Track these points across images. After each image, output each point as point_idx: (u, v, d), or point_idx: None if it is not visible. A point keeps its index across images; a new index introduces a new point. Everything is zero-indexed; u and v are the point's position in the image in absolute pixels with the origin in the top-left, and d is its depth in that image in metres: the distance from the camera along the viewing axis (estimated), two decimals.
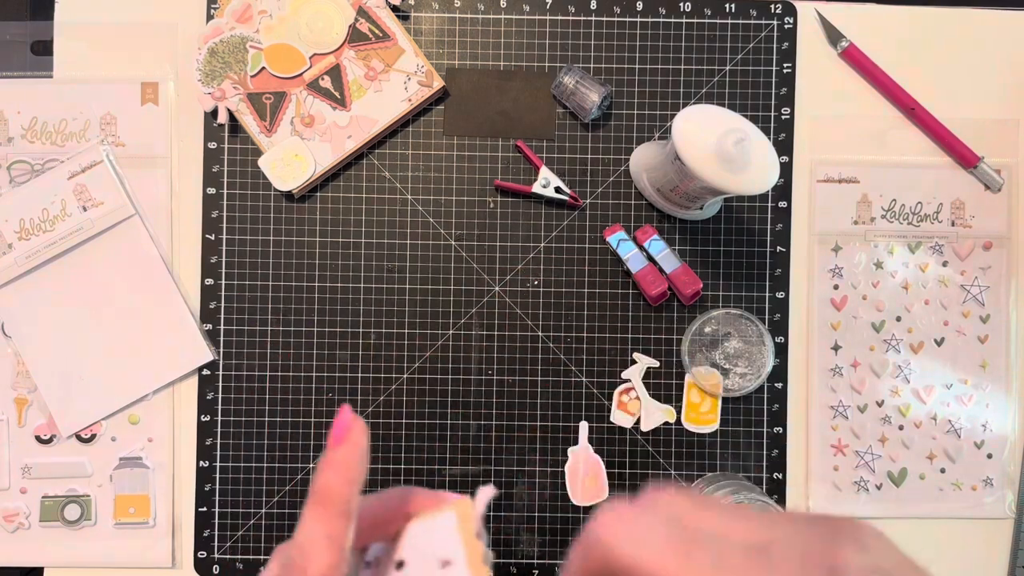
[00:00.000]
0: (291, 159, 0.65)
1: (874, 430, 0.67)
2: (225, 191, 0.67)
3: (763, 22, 0.67)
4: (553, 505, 0.66)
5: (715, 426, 0.67)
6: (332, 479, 0.28)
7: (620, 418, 0.67)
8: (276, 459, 0.66)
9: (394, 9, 0.66)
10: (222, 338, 0.67)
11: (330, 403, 0.67)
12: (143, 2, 0.67)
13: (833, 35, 0.67)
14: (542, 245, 0.67)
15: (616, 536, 0.21)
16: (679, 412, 0.67)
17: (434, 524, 0.31)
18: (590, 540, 0.22)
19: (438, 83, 0.65)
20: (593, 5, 0.67)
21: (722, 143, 0.52)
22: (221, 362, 0.67)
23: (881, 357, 0.67)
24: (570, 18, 0.67)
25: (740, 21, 0.67)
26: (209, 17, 0.66)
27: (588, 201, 0.67)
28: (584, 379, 0.67)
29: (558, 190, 0.66)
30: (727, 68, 0.67)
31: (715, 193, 0.57)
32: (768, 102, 0.67)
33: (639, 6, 0.67)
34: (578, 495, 0.66)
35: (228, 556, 0.66)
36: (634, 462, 0.66)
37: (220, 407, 0.66)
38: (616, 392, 0.67)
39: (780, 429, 0.67)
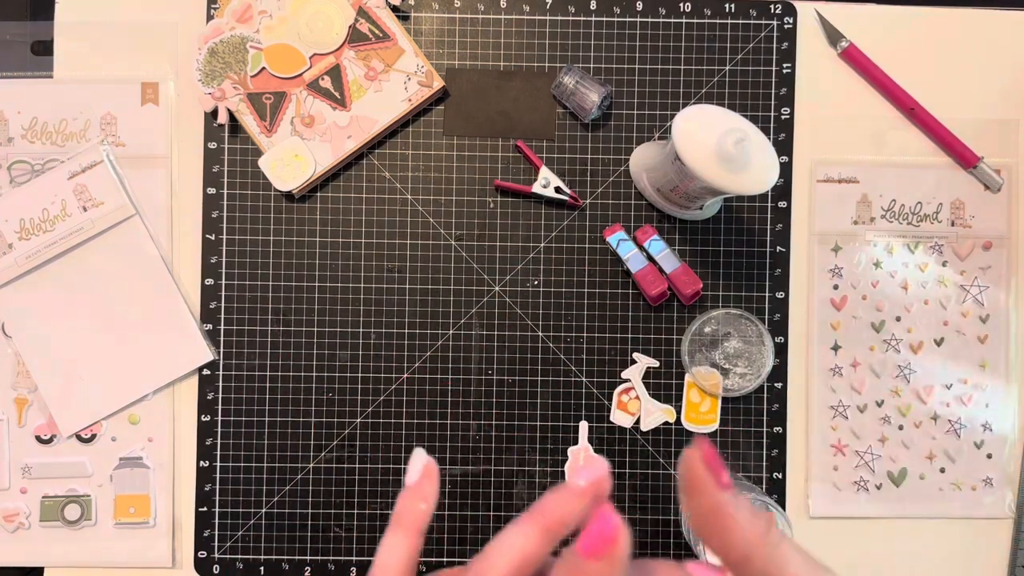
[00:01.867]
0: (291, 159, 0.65)
1: (874, 430, 0.67)
2: (225, 191, 0.67)
3: (763, 22, 0.67)
4: None
5: (715, 426, 0.67)
6: (407, 503, 0.31)
7: (620, 418, 0.67)
8: (276, 459, 0.66)
9: (394, 9, 0.66)
10: (222, 338, 0.67)
11: (330, 403, 0.67)
12: (143, 2, 0.67)
13: (833, 35, 0.67)
14: (542, 245, 0.67)
15: (791, 554, 0.26)
16: (679, 412, 0.67)
17: None
18: (773, 542, 0.26)
19: (438, 83, 0.65)
20: (593, 5, 0.67)
21: (722, 143, 0.52)
22: (221, 362, 0.67)
23: (881, 357, 0.67)
24: (570, 18, 0.67)
25: (740, 21, 0.67)
26: (209, 17, 0.66)
27: (588, 201, 0.67)
28: (584, 379, 0.67)
29: (558, 190, 0.66)
30: (727, 68, 0.67)
31: (715, 193, 0.57)
32: (768, 102, 0.67)
33: (639, 6, 0.67)
34: None
35: (228, 556, 0.66)
36: (634, 462, 0.66)
37: (220, 407, 0.66)
38: (616, 392, 0.67)
39: (780, 429, 0.67)
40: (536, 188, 0.66)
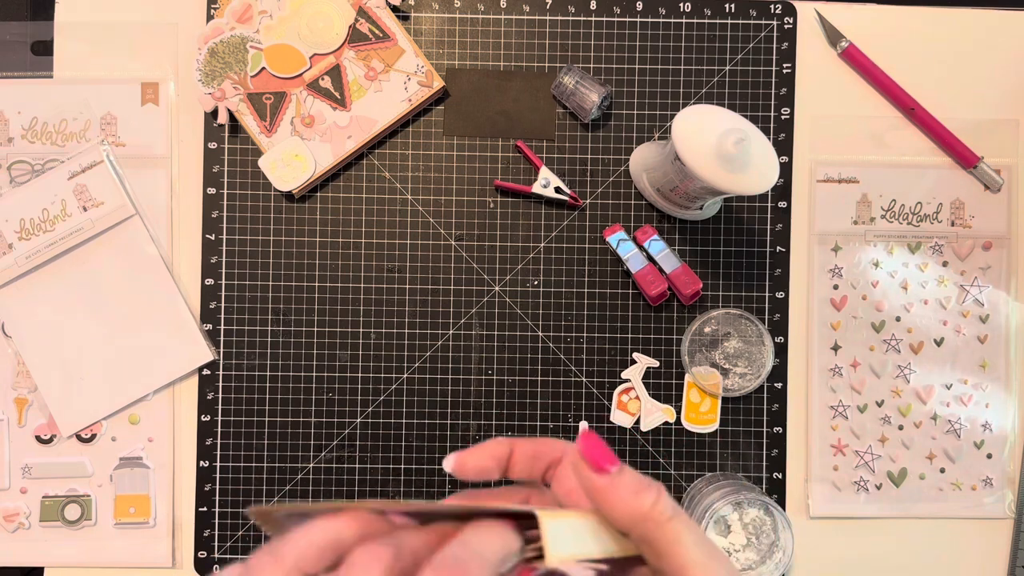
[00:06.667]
0: (291, 159, 0.65)
1: (874, 430, 0.67)
2: (225, 191, 0.67)
3: (763, 22, 0.67)
4: None
5: (715, 426, 0.67)
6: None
7: (620, 418, 0.67)
8: (276, 459, 0.66)
9: (394, 9, 0.66)
10: (222, 338, 0.67)
11: (330, 403, 0.67)
12: (143, 2, 0.67)
13: (833, 35, 0.67)
14: (542, 245, 0.67)
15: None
16: (679, 412, 0.67)
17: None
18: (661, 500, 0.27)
19: (438, 83, 0.65)
20: (593, 5, 0.67)
21: (722, 143, 0.52)
22: (221, 362, 0.67)
23: (881, 357, 0.67)
24: (570, 18, 0.67)
25: (740, 21, 0.67)
26: (209, 17, 0.66)
27: (588, 201, 0.67)
28: (584, 379, 0.67)
29: (558, 190, 0.66)
30: (727, 68, 0.67)
31: (715, 193, 0.57)
32: (768, 102, 0.67)
33: (639, 6, 0.67)
34: None
35: (228, 556, 0.66)
36: (634, 462, 0.66)
37: (220, 407, 0.66)
38: (616, 392, 0.67)
39: (780, 429, 0.67)
40: (536, 188, 0.66)
